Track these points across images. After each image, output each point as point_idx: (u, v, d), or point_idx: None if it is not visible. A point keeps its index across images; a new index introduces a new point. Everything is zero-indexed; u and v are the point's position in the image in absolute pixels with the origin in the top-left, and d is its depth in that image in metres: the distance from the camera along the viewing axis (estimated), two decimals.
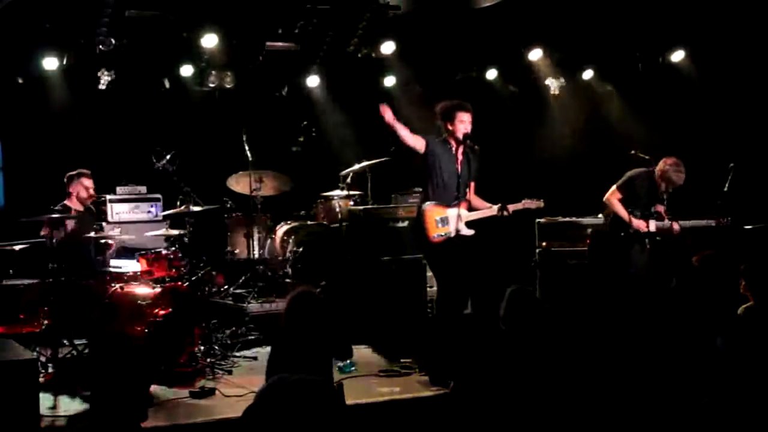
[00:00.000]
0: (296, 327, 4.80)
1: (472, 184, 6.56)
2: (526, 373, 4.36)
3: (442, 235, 6.28)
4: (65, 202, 7.19)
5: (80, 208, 7.23)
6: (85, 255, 7.08)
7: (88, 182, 7.22)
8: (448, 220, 6.29)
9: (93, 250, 7.23)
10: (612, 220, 7.60)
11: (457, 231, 6.26)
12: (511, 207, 6.44)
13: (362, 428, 5.03)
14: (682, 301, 4.82)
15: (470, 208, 6.43)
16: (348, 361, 6.43)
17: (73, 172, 7.24)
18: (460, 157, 6.39)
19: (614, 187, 7.49)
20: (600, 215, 8.55)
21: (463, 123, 6.35)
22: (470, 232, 6.36)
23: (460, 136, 6.34)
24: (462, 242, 6.29)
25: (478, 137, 8.12)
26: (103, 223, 7.69)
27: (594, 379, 4.44)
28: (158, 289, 6.56)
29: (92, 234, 6.93)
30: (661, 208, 7.36)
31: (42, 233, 6.82)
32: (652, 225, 7.33)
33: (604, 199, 7.57)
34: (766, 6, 7.99)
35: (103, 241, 7.13)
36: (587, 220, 8.54)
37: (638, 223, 7.35)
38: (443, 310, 6.31)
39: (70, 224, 6.83)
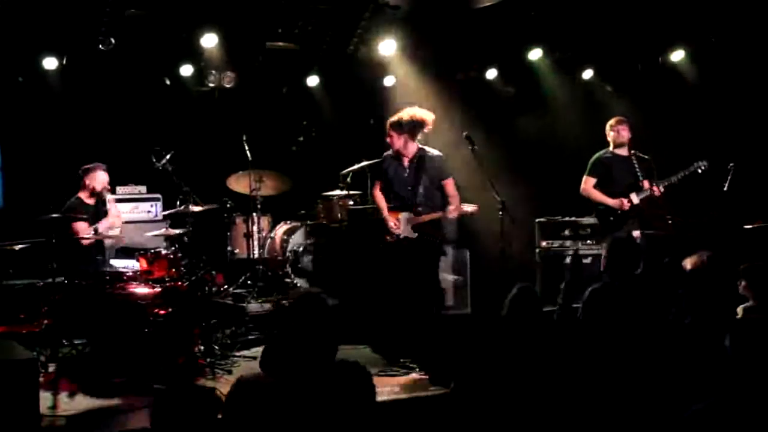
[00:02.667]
0: (299, 328, 4.78)
1: (449, 181, 6.84)
2: (528, 372, 4.36)
3: (390, 237, 6.82)
4: (79, 195, 7.23)
5: (92, 201, 7.26)
6: (86, 254, 7.10)
7: (104, 175, 7.27)
8: (398, 224, 6.80)
9: (93, 249, 7.26)
10: (597, 212, 7.65)
11: (405, 234, 6.80)
12: (452, 210, 6.77)
13: (362, 428, 5.02)
14: (683, 302, 4.81)
15: (423, 212, 6.77)
16: None
17: (90, 165, 7.28)
18: (407, 165, 6.80)
19: (584, 176, 7.61)
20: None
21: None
22: (413, 235, 6.79)
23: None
24: (407, 245, 6.79)
25: (478, 137, 8.13)
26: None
27: (596, 378, 4.44)
28: (158, 289, 6.57)
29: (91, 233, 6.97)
30: (645, 183, 7.42)
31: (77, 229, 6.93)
32: (634, 198, 7.38)
33: (580, 191, 7.64)
34: (766, 6, 8.00)
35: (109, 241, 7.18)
36: (587, 220, 8.54)
37: (617, 202, 7.40)
38: (395, 308, 6.80)
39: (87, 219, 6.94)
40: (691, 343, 4.54)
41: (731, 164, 7.62)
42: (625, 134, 7.49)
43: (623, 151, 7.53)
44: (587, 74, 9.80)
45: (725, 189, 7.53)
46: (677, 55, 9.19)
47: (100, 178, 7.22)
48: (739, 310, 4.97)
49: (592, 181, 7.56)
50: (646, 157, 7.59)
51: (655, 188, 7.35)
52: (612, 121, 7.62)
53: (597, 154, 7.65)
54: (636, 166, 7.41)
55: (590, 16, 8.67)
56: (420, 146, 6.84)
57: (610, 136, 7.59)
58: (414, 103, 7.17)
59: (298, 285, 8.21)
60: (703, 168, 7.33)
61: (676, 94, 9.31)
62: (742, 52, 8.55)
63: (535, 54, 9.43)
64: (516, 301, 4.60)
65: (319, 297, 4.89)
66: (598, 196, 7.52)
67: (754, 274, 5.03)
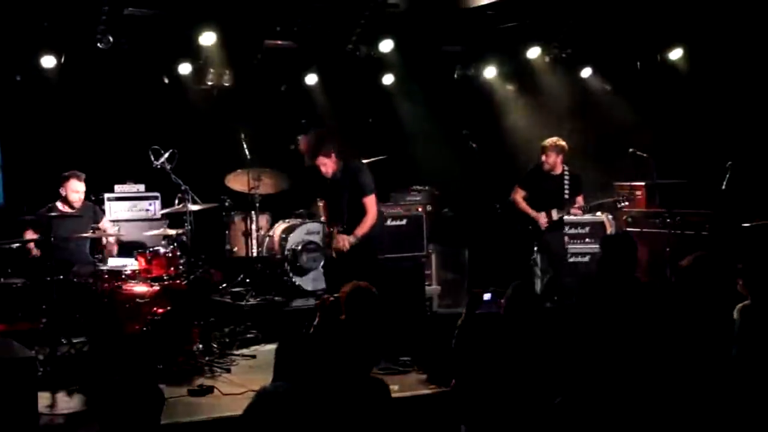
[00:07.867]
0: (354, 320, 4.77)
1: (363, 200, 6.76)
2: (527, 369, 4.37)
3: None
4: (56, 203, 7.21)
5: (68, 210, 7.24)
6: (79, 253, 7.11)
7: (78, 185, 7.26)
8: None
9: (88, 247, 7.26)
10: (520, 220, 8.01)
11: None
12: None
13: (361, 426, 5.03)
14: (679, 301, 4.81)
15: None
16: None
17: (66, 173, 7.26)
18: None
19: (516, 185, 8.05)
20: (598, 213, 8.58)
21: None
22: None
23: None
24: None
25: (476, 135, 8.12)
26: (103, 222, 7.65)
27: (594, 375, 4.45)
28: (156, 288, 6.57)
29: (87, 234, 6.98)
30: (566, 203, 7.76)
31: (25, 236, 6.90)
32: (554, 213, 7.75)
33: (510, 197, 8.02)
34: (765, 4, 7.99)
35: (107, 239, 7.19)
36: (586, 218, 8.55)
37: (537, 216, 7.80)
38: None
39: (56, 226, 6.72)
40: (689, 340, 4.55)
41: (729, 162, 7.62)
42: (551, 161, 7.76)
43: (556, 170, 7.81)
44: (586, 72, 9.80)
45: (723, 187, 7.53)
46: (676, 53, 9.19)
47: (72, 188, 7.24)
48: (737, 308, 4.97)
49: (522, 192, 7.90)
50: (576, 174, 7.89)
51: (574, 209, 7.74)
52: (546, 143, 7.84)
53: (531, 168, 7.98)
54: (567, 182, 7.71)
55: (589, 14, 8.66)
56: None
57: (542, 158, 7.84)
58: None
59: (297, 284, 8.22)
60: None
61: (674, 91, 9.31)
62: (741, 50, 8.55)
63: (534, 52, 9.42)
64: (513, 300, 4.61)
65: (371, 291, 4.89)
66: (524, 206, 7.87)
67: (751, 273, 5.03)
